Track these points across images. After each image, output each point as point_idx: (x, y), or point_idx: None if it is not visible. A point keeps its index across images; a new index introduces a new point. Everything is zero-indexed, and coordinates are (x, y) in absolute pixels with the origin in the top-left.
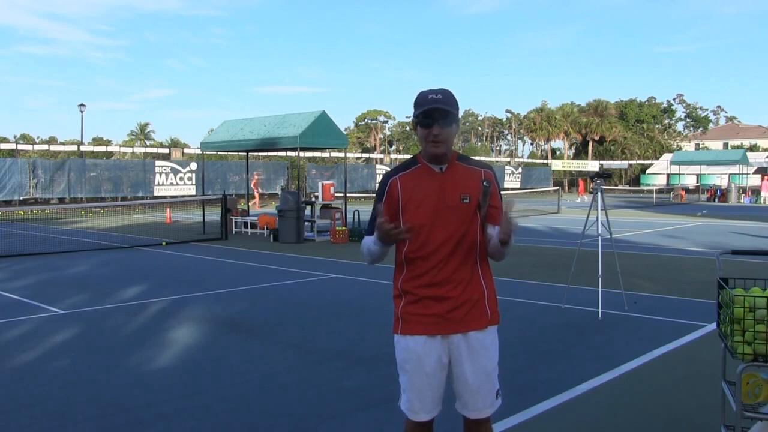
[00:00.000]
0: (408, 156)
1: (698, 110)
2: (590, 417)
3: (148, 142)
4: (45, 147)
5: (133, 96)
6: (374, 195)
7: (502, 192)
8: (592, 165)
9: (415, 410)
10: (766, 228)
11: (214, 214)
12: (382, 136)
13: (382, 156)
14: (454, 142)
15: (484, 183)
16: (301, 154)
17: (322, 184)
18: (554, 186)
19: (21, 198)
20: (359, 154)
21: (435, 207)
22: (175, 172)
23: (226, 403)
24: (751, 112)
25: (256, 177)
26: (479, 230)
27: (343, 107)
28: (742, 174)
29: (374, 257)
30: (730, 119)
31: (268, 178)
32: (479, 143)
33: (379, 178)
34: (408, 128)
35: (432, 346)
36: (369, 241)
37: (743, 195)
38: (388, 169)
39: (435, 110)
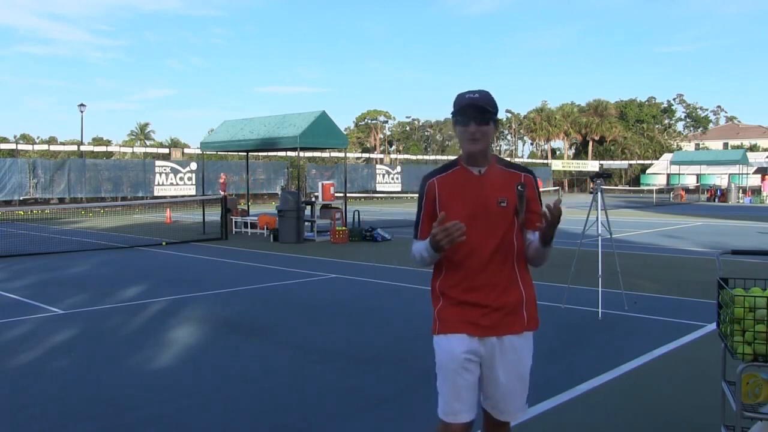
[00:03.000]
0: (408, 156)
1: (698, 110)
2: (590, 417)
3: (148, 142)
4: (45, 147)
5: (133, 96)
6: (375, 195)
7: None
8: (592, 165)
9: (454, 412)
10: (766, 228)
11: (214, 214)
12: (382, 136)
13: (382, 156)
14: (490, 142)
15: (519, 187)
16: (301, 154)
17: (322, 184)
18: (554, 186)
19: (21, 198)
20: (359, 154)
21: (472, 210)
22: (175, 172)
23: (226, 403)
24: (751, 112)
25: (223, 177)
26: (517, 235)
27: (343, 107)
28: (742, 174)
29: (426, 263)
30: (730, 119)
31: (268, 178)
32: None
33: (379, 178)
34: (408, 128)
35: (469, 346)
36: (420, 247)
37: (743, 195)
38: (428, 172)
39: (471, 107)
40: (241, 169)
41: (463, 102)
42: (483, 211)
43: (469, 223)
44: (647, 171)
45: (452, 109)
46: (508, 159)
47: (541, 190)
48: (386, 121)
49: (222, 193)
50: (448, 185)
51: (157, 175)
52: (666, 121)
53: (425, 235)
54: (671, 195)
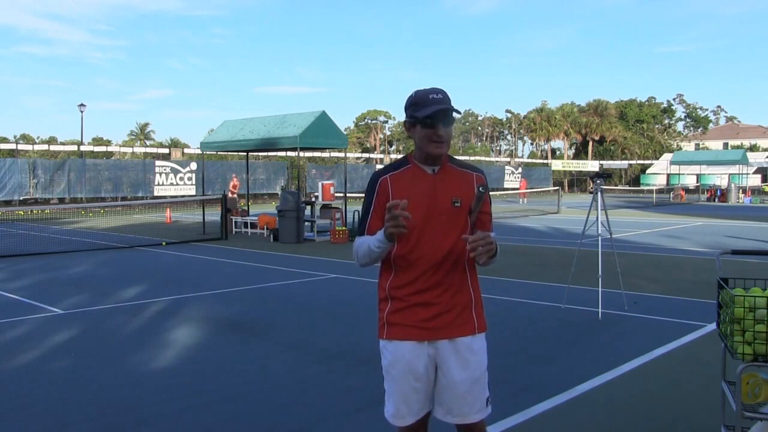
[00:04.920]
0: (402, 156)
1: (698, 110)
2: (590, 417)
3: (148, 142)
4: (45, 147)
5: (133, 96)
6: None
7: (498, 192)
8: (592, 165)
9: (403, 415)
10: (766, 228)
11: (214, 214)
12: (382, 136)
13: (382, 156)
14: (452, 142)
15: (480, 189)
16: (301, 154)
17: (322, 184)
18: (554, 186)
19: (21, 198)
20: (359, 154)
21: (426, 210)
22: (175, 172)
23: (226, 403)
24: (751, 112)
25: (235, 180)
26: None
27: (343, 107)
28: (742, 174)
29: (373, 258)
30: (730, 119)
31: (268, 178)
32: (479, 143)
33: None
34: (406, 132)
35: (420, 351)
36: (368, 241)
37: (743, 195)
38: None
39: (440, 111)
40: (241, 169)
41: (430, 104)
42: (436, 210)
43: (422, 223)
44: (647, 171)
45: (412, 109)
46: (509, 159)
47: (539, 190)
48: (386, 121)
49: (232, 194)
50: (401, 184)
51: (157, 175)
52: (666, 121)
53: (373, 232)
54: (671, 195)
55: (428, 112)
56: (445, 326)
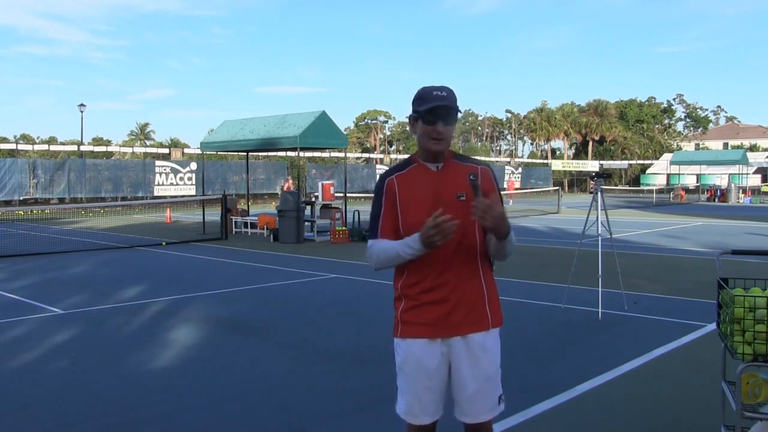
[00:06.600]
0: (408, 156)
1: (698, 110)
2: (590, 417)
3: (148, 142)
4: (45, 147)
5: (133, 96)
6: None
7: (501, 192)
8: (592, 165)
9: (415, 414)
10: (766, 228)
11: (214, 214)
12: (382, 136)
13: (382, 156)
14: (452, 141)
15: (471, 177)
16: (301, 154)
17: (322, 184)
18: (554, 186)
19: (21, 198)
20: (359, 154)
21: (431, 206)
22: (175, 172)
23: (226, 403)
24: (751, 112)
25: (289, 181)
26: (478, 229)
27: (343, 107)
28: (742, 174)
29: (394, 263)
30: (730, 119)
31: (268, 178)
32: (479, 143)
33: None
34: (408, 128)
35: (433, 348)
36: (396, 247)
37: (743, 195)
38: (386, 168)
39: (441, 107)
40: (241, 169)
41: (432, 100)
42: (442, 206)
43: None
44: (647, 171)
45: (416, 104)
46: (510, 159)
47: (539, 190)
48: (386, 121)
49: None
50: (407, 183)
51: (157, 175)
52: (666, 121)
53: (387, 233)
54: (671, 195)
55: (429, 106)
56: (456, 323)
